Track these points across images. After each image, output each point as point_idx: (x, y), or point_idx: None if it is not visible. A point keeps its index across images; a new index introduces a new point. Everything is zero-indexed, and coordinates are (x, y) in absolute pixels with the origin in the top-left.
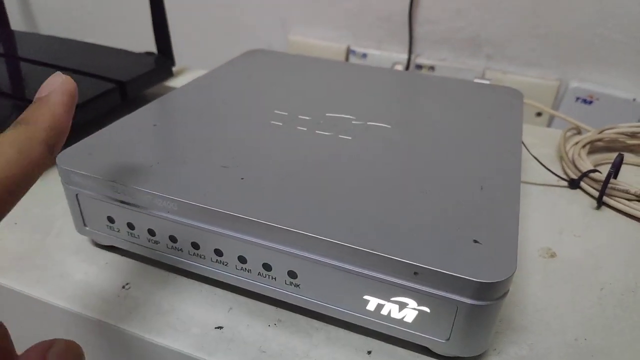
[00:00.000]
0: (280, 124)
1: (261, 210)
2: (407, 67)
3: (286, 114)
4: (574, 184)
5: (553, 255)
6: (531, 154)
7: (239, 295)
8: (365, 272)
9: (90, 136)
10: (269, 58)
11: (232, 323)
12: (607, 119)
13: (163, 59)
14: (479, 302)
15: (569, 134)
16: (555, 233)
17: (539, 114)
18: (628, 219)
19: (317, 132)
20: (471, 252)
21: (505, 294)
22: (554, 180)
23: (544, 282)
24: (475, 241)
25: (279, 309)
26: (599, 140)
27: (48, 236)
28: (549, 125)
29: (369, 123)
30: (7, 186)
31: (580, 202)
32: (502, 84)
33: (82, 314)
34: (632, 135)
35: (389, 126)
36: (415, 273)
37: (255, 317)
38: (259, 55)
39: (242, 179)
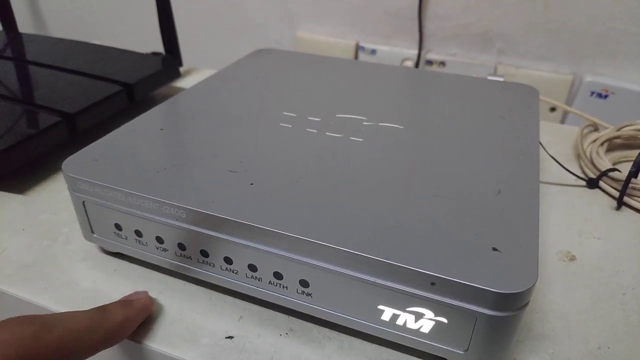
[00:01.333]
0: (290, 125)
1: (271, 218)
2: (417, 63)
3: (295, 115)
4: (592, 184)
5: (573, 259)
6: (548, 154)
7: (249, 303)
8: (380, 281)
9: (96, 142)
10: (277, 57)
11: (243, 332)
12: (622, 114)
13: (170, 60)
14: (498, 313)
15: (585, 131)
16: (575, 235)
17: (552, 109)
18: None
19: (327, 134)
20: (490, 261)
21: (526, 304)
22: (571, 179)
23: (565, 287)
24: (495, 249)
25: (290, 317)
26: (617, 137)
27: (56, 243)
28: (562, 120)
29: (380, 124)
30: (55, 352)
31: (599, 202)
32: (514, 79)
33: None
34: None
35: (402, 127)
36: (433, 283)
37: (266, 326)
38: (267, 54)
39: (251, 184)
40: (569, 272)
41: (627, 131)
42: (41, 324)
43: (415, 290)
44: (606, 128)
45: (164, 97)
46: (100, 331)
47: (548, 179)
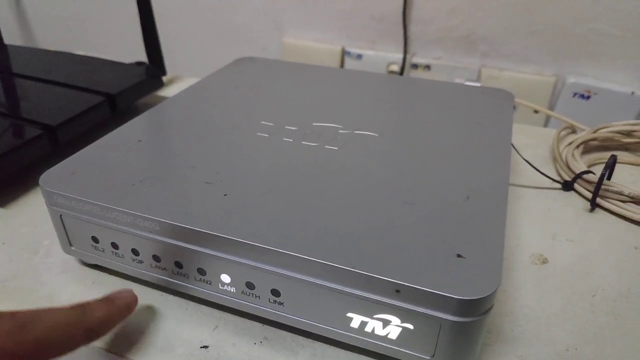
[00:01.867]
0: (267, 135)
1: (241, 229)
2: (402, 67)
3: (273, 124)
4: (567, 186)
5: (545, 262)
6: (522, 157)
7: (225, 313)
8: (348, 290)
9: (74, 155)
10: (258, 66)
11: (218, 342)
12: (605, 114)
13: (153, 69)
14: (462, 319)
15: (563, 133)
16: (548, 238)
17: (536, 111)
18: (622, 221)
19: (303, 142)
20: (454, 267)
21: (490, 309)
22: (548, 182)
23: (536, 290)
24: (459, 255)
25: (265, 326)
26: (594, 139)
27: (36, 256)
28: (546, 121)
29: (356, 132)
30: (36, 352)
31: (574, 204)
32: (498, 81)
33: None
34: (627, 133)
35: (377, 135)
36: (397, 291)
37: (241, 336)
38: (248, 63)
39: (225, 195)
40: (540, 275)
41: (602, 133)
42: (18, 320)
43: (381, 298)
44: (583, 130)
45: (148, 107)
46: (80, 328)
47: (524, 182)
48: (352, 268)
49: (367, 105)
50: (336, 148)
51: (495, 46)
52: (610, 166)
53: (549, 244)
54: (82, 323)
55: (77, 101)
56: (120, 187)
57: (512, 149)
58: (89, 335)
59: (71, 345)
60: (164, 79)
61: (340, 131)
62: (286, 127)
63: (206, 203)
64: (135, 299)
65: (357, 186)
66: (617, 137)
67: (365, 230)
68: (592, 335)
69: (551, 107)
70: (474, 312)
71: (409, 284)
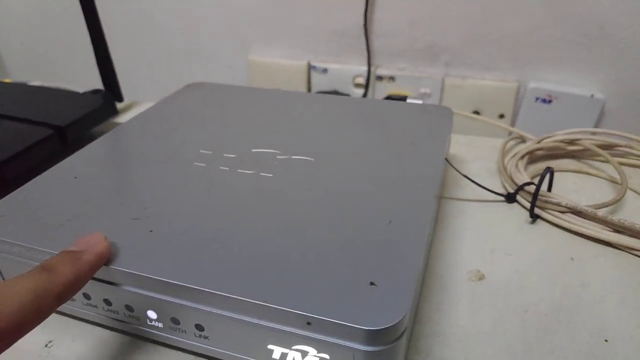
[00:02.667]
0: (204, 164)
1: (162, 268)
2: (367, 80)
3: (211, 152)
4: (510, 198)
5: (481, 278)
6: (460, 173)
7: (161, 347)
8: (264, 323)
9: (8, 196)
10: (206, 91)
11: None
12: (567, 117)
13: (108, 96)
14: (373, 348)
15: (511, 144)
16: (487, 252)
17: (501, 116)
18: (562, 232)
19: (239, 171)
20: (365, 297)
21: (401, 335)
22: (492, 195)
23: (470, 308)
24: (372, 283)
25: (198, 358)
26: (539, 149)
27: None
28: (512, 125)
29: (293, 157)
30: (13, 328)
31: (516, 217)
32: (461, 90)
33: None
34: (571, 142)
35: (312, 159)
36: (308, 323)
37: None
38: (196, 89)
39: (150, 231)
40: (476, 292)
41: (547, 143)
42: None
43: (296, 330)
44: (531, 139)
45: (103, 134)
46: (50, 297)
47: (470, 196)
48: (265, 302)
49: (308, 128)
50: (271, 175)
51: (457, 56)
52: (544, 178)
53: (488, 258)
54: (51, 291)
55: (25, 135)
56: (48, 227)
57: (449, 164)
58: (60, 300)
59: (44, 315)
60: (122, 104)
61: (278, 157)
62: (225, 154)
63: (131, 240)
64: (106, 247)
65: (284, 215)
66: (562, 145)
67: (284, 261)
68: (522, 352)
69: (515, 112)
70: (383, 341)
71: (318, 316)
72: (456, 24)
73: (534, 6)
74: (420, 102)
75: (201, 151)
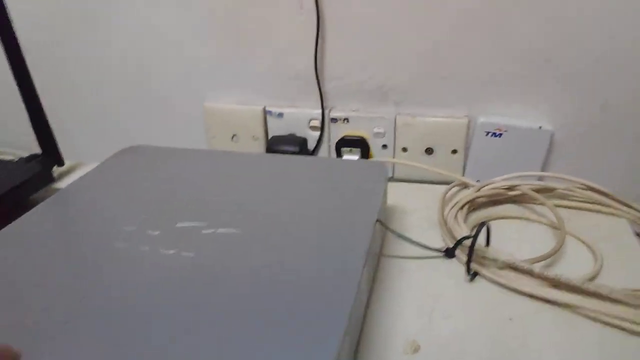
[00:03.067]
0: (123, 245)
1: None
2: (322, 122)
3: (135, 228)
4: (449, 253)
5: (417, 349)
6: (394, 232)
7: None
8: None
9: None
10: (140, 157)
11: None
12: (519, 149)
13: (45, 162)
14: None
15: (453, 191)
16: (425, 317)
17: (454, 151)
18: (501, 290)
19: (160, 250)
20: None
21: None
22: (431, 251)
23: None
24: None
25: None
26: (480, 197)
27: None
28: (465, 161)
29: (218, 230)
30: None
31: (455, 274)
32: (412, 127)
33: None
34: (510, 188)
35: (238, 231)
36: None
37: None
38: (130, 154)
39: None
40: None
41: (487, 190)
42: None
43: None
44: (473, 186)
45: (42, 200)
46: None
47: (409, 252)
48: None
49: (240, 193)
50: (192, 254)
51: (406, 94)
52: (479, 233)
53: (425, 324)
54: None
55: None
56: None
57: (381, 224)
58: None
59: None
60: (65, 167)
61: (203, 231)
62: (148, 231)
63: (39, 336)
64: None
65: (196, 306)
66: (502, 191)
67: (192, 353)
68: None
69: (467, 147)
70: None
71: None
72: (404, 64)
73: (481, 42)
74: (356, 158)
75: (124, 228)
